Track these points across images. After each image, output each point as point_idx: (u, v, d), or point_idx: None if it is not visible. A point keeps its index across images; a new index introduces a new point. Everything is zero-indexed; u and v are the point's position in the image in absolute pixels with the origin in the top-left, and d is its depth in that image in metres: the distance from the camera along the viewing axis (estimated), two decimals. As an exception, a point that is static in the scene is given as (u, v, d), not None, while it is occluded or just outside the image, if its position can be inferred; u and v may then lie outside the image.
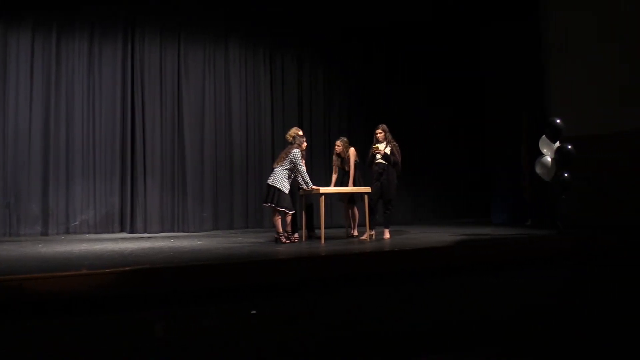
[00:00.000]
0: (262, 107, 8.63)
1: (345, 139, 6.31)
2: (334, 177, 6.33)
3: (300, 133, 5.87)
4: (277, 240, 5.64)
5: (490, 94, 8.58)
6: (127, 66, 7.67)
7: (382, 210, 6.06)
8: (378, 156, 5.86)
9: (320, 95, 9.20)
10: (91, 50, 7.52)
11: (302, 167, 5.63)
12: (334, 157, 6.35)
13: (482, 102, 8.87)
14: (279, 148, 7.69)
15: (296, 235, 6.11)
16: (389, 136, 5.96)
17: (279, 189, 5.51)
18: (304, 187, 5.70)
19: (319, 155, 8.96)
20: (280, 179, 5.54)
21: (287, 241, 5.61)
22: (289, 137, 5.88)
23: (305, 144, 5.87)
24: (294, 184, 5.86)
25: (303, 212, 6.04)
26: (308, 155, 7.57)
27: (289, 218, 5.65)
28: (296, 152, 5.61)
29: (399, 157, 5.89)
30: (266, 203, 5.60)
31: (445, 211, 9.93)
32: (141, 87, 7.74)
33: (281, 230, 5.61)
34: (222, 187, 8.15)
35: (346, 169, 6.19)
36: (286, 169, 5.60)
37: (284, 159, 5.64)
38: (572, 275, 4.59)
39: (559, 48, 7.53)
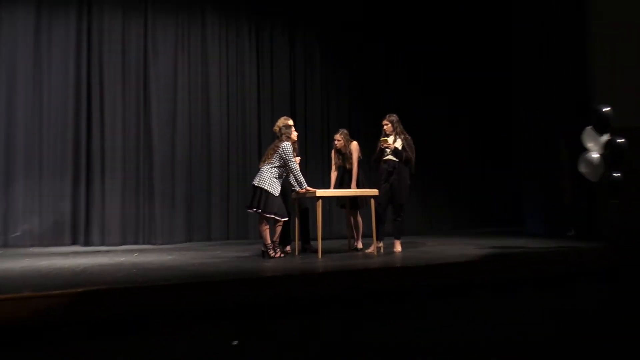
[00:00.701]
0: (247, 92, 8.61)
1: (346, 132, 6.31)
2: (333, 176, 6.32)
3: (290, 123, 5.85)
4: (265, 254, 5.60)
5: (517, 83, 8.63)
6: (82, 43, 7.64)
7: (391, 217, 6.02)
8: (387, 151, 5.83)
9: (316, 79, 9.18)
10: (38, 24, 7.47)
11: (294, 164, 5.60)
12: (333, 153, 6.34)
13: (508, 91, 8.99)
14: (266, 143, 7.64)
15: (288, 247, 6.06)
16: (400, 128, 5.92)
17: (266, 191, 5.46)
18: (297, 188, 5.66)
19: (315, 150, 8.95)
20: (268, 179, 5.50)
21: (277, 255, 5.57)
22: (276, 128, 5.87)
23: (295, 133, 5.83)
24: (286, 185, 5.80)
25: (296, 220, 6.01)
26: (302, 151, 7.56)
27: (278, 227, 5.60)
28: (286, 145, 5.57)
29: (412, 153, 5.85)
30: (251, 208, 5.55)
31: (468, 219, 9.94)
32: (99, 69, 7.71)
33: (269, 241, 5.58)
34: (197, 189, 8.12)
35: (347, 167, 6.17)
36: (275, 167, 5.56)
37: (272, 155, 5.61)
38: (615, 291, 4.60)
39: (603, 30, 7.55)
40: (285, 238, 6.04)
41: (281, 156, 5.57)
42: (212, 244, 7.67)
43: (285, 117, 6.09)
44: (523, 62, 8.58)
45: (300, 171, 5.71)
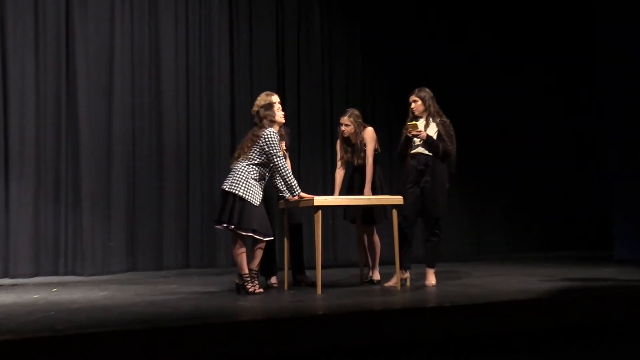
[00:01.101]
0: (215, 58, 8.65)
1: (358, 113, 6.34)
2: (339, 177, 6.36)
3: (273, 99, 5.91)
4: (241, 289, 5.63)
5: (606, 66, 8.74)
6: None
7: (423, 236, 6.04)
8: (417, 141, 5.85)
9: (315, 39, 9.22)
10: None
11: (282, 160, 5.62)
12: (339, 144, 6.39)
13: (593, 76, 9.14)
14: (243, 130, 7.66)
15: (274, 279, 6.07)
16: (434, 107, 5.96)
17: (242, 199, 5.49)
18: (287, 194, 5.69)
19: (313, 140, 8.99)
20: (244, 182, 5.53)
21: (258, 290, 5.59)
22: (255, 109, 5.92)
23: (281, 114, 5.85)
24: (271, 190, 5.84)
25: (285, 240, 6.03)
26: (294, 141, 7.56)
27: (259, 251, 5.63)
28: (269, 133, 5.59)
29: (452, 144, 5.88)
30: (220, 223, 5.59)
31: (531, 239, 10.01)
32: (1, 22, 7.69)
33: (246, 271, 5.61)
34: (143, 196, 8.17)
35: (359, 163, 6.21)
36: (254, 165, 5.59)
37: (250, 147, 5.64)
38: None
39: None
40: (269, 266, 6.07)
41: (262, 149, 5.58)
42: (165, 275, 7.70)
43: (267, 92, 6.13)
44: (611, 37, 8.64)
45: (292, 170, 5.74)
